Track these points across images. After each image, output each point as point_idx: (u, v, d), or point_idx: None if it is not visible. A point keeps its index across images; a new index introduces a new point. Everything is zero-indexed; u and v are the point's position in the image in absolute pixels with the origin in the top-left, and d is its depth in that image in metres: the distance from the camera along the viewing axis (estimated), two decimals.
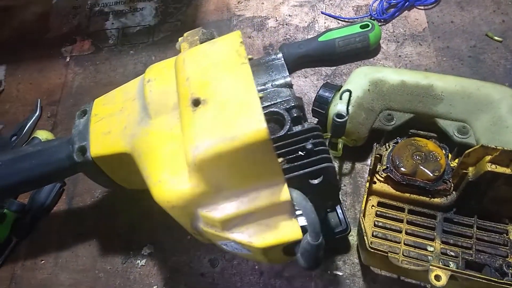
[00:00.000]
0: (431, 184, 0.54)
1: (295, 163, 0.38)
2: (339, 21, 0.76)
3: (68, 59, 0.84)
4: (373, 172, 0.57)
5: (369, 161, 0.63)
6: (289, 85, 0.46)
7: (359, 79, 0.59)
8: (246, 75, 0.33)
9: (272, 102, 0.45)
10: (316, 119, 0.63)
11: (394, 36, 0.72)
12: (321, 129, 0.41)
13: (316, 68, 0.72)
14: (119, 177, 0.49)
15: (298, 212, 0.36)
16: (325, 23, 0.76)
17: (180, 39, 0.49)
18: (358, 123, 0.57)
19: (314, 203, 0.36)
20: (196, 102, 0.33)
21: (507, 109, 0.54)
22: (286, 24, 0.78)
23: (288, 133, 0.41)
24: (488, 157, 0.49)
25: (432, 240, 0.55)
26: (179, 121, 0.39)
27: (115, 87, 0.50)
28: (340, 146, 0.58)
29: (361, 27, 0.68)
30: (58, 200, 0.65)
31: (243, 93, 0.32)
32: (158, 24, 0.85)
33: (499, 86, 0.56)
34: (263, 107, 0.44)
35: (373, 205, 0.58)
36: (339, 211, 0.55)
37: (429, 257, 0.53)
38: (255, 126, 0.30)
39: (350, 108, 0.57)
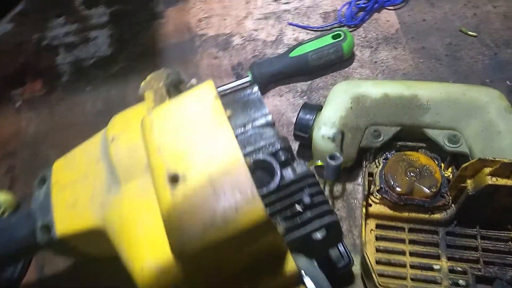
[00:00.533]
0: (429, 201, 0.52)
1: (294, 221, 0.34)
2: (308, 31, 0.72)
3: (19, 104, 0.76)
4: (367, 195, 0.53)
5: (359, 180, 0.60)
6: (271, 124, 0.42)
7: (339, 97, 0.55)
8: (227, 138, 0.29)
9: (256, 147, 0.40)
10: (299, 141, 0.59)
11: (367, 41, 0.69)
12: (314, 174, 0.37)
13: (291, 84, 0.68)
14: (94, 251, 0.43)
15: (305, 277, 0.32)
16: (293, 34, 0.72)
17: (142, 83, 0.44)
18: (346, 144, 0.53)
19: (316, 252, 0.32)
20: (174, 179, 0.28)
21: (496, 113, 0.51)
22: (253, 40, 0.73)
23: (280, 185, 0.37)
24: (487, 170, 0.46)
25: (438, 257, 0.52)
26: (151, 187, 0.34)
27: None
28: None
29: (333, 37, 0.64)
30: (27, 271, 0.58)
31: (228, 163, 0.28)
32: (114, 54, 0.78)
33: (485, 88, 0.54)
34: (246, 154, 0.39)
35: (371, 229, 0.54)
36: (341, 247, 0.52)
37: (437, 277, 0.51)
38: (251, 207, 0.26)
39: (334, 129, 0.53)
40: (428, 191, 0.51)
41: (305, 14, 0.73)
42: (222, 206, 0.26)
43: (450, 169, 0.55)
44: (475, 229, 0.53)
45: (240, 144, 0.41)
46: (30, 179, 0.69)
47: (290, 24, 0.73)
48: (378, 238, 0.54)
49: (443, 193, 0.52)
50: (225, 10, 0.76)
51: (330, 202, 0.59)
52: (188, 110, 0.31)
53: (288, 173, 0.40)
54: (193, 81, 0.46)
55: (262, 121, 0.42)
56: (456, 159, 0.54)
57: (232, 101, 0.45)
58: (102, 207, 0.39)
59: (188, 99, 0.32)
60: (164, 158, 0.30)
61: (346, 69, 0.67)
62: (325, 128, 0.53)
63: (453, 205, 0.53)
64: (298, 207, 0.35)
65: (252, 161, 0.38)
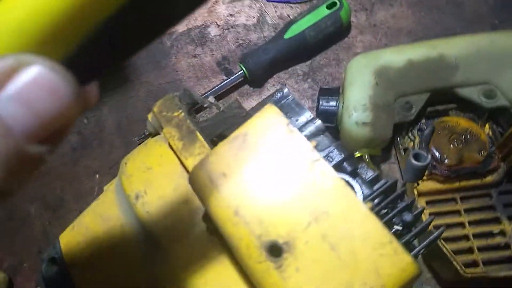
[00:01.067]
0: (481, 166, 0.48)
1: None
2: (292, 5, 0.64)
3: None
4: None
5: (393, 158, 0.55)
6: (323, 130, 0.35)
7: (361, 75, 0.49)
8: (329, 178, 0.22)
9: None
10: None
11: (360, 4, 0.62)
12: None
13: (289, 69, 0.60)
14: None
15: None
16: (276, 11, 0.64)
17: (150, 117, 0.35)
18: (382, 126, 0.48)
19: None
20: (275, 250, 0.21)
21: None
22: (232, 27, 0.64)
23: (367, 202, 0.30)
24: None
25: (499, 220, 0.49)
26: (210, 244, 0.27)
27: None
28: (367, 158, 0.49)
29: (328, 7, 0.57)
30: None
31: (345, 212, 0.21)
32: None
33: (510, 32, 0.49)
34: None
35: (423, 208, 0.50)
36: None
37: (502, 242, 0.48)
38: (396, 264, 0.19)
39: (368, 113, 0.47)
40: (479, 156, 0.47)
41: None
42: (356, 274, 0.20)
43: (487, 126, 0.52)
44: None
45: None
46: (15, 245, 0.59)
47: (269, 0, 0.64)
48: (431, 215, 0.50)
49: (492, 154, 0.48)
50: None
51: None
52: (259, 151, 0.23)
53: (359, 184, 0.33)
54: (211, 98, 0.38)
55: (310, 128, 0.35)
56: (494, 114, 0.51)
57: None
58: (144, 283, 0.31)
59: (252, 135, 0.24)
60: (249, 223, 0.22)
61: (346, 39, 0.61)
62: (357, 114, 0.47)
63: (502, 163, 0.49)
64: (397, 226, 0.29)
65: None
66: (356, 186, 0.30)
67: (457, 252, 0.48)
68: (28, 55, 0.12)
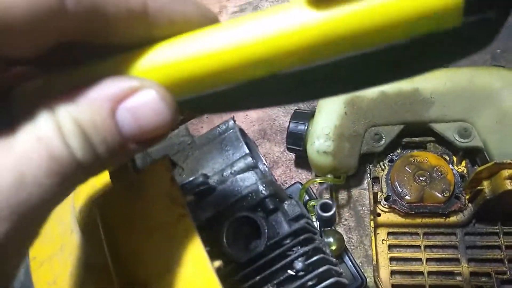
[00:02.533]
0: (443, 206, 0.47)
1: None
2: None
3: None
4: (374, 206, 0.49)
5: (365, 184, 0.55)
6: (252, 167, 0.37)
7: (332, 103, 0.49)
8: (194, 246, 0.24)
9: (238, 197, 0.36)
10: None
11: None
12: (311, 226, 0.33)
13: None
14: None
15: None
16: None
17: None
18: (344, 156, 0.48)
19: None
20: None
21: None
22: None
23: (268, 244, 0.32)
24: (506, 172, 0.41)
25: (458, 261, 0.48)
26: None
27: None
28: (329, 185, 0.50)
29: None
30: None
31: (194, 271, 0.23)
32: None
33: (495, 70, 0.47)
34: (227, 207, 0.35)
35: (383, 239, 0.50)
36: (348, 263, 0.48)
37: (459, 284, 0.47)
38: None
39: (330, 143, 0.48)
40: (441, 196, 0.47)
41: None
42: None
43: (463, 163, 0.50)
44: (497, 226, 0.48)
45: (220, 195, 0.37)
46: None
47: None
48: (391, 247, 0.50)
49: (457, 194, 0.47)
50: None
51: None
52: (140, 203, 0.27)
53: (279, 221, 0.35)
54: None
55: (241, 164, 0.37)
56: (469, 152, 0.49)
57: (208, 140, 0.40)
58: (82, 283, 0.36)
59: (141, 185, 0.27)
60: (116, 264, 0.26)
61: None
62: (319, 142, 0.48)
63: (470, 204, 0.48)
64: (291, 271, 0.31)
65: (232, 219, 0.34)
66: (263, 226, 0.33)
67: (409, 287, 0.48)
68: (149, 81, 0.17)
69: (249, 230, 0.35)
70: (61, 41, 0.16)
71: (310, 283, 0.31)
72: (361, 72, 0.17)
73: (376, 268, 0.45)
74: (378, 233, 0.51)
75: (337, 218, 0.51)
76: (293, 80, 0.17)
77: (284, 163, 0.59)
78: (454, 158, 0.50)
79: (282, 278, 0.31)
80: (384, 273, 0.48)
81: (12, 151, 0.15)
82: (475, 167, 0.50)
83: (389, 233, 0.51)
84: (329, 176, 0.50)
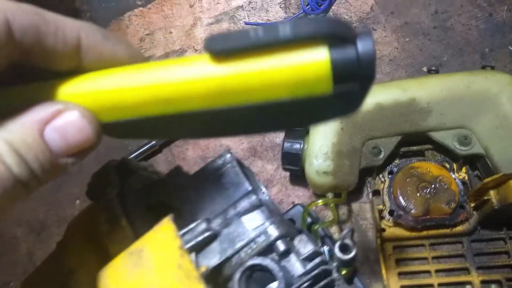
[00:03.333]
0: (449, 218, 0.46)
1: None
2: None
3: None
4: (377, 223, 0.47)
5: (364, 197, 0.53)
6: (258, 206, 0.34)
7: None
8: None
9: (245, 242, 0.33)
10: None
11: None
12: (325, 262, 0.30)
13: None
14: None
15: None
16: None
17: (87, 190, 0.35)
18: (344, 174, 0.46)
19: None
20: None
21: (511, 104, 0.44)
22: None
23: None
24: None
25: (467, 271, 0.47)
26: None
27: None
28: (332, 205, 0.48)
29: None
30: None
31: None
32: None
33: (491, 75, 0.45)
34: (233, 255, 0.32)
35: (390, 254, 0.49)
36: (358, 284, 0.46)
37: None
38: None
39: (329, 162, 0.45)
40: (447, 208, 0.45)
41: (262, 7, 0.62)
42: None
43: (464, 169, 0.49)
44: (502, 232, 0.47)
45: (226, 239, 0.34)
46: (2, 265, 0.62)
47: (247, 23, 0.62)
48: (398, 261, 0.49)
49: (462, 203, 0.46)
50: (168, 22, 0.64)
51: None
52: (151, 271, 0.23)
53: (292, 262, 0.33)
54: (150, 167, 0.37)
55: (244, 204, 0.34)
56: (469, 159, 0.48)
57: (203, 180, 0.37)
58: None
59: (147, 252, 0.24)
60: None
61: None
62: (318, 162, 0.45)
63: (474, 212, 0.47)
64: None
65: (243, 269, 0.31)
66: (279, 274, 0.30)
67: None
68: (73, 103, 0.20)
69: (261, 275, 0.33)
70: (10, 64, 0.19)
71: None
72: (259, 118, 0.21)
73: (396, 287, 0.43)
74: (384, 248, 0.49)
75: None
76: (199, 119, 0.20)
77: (278, 181, 0.56)
78: (454, 165, 0.49)
79: None
80: None
81: None
82: (476, 172, 0.49)
83: (395, 247, 0.49)
84: (329, 195, 0.47)
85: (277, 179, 0.56)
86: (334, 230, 0.52)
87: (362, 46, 0.18)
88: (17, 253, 0.62)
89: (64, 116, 0.20)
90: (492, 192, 0.43)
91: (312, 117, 0.22)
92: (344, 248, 0.30)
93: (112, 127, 0.21)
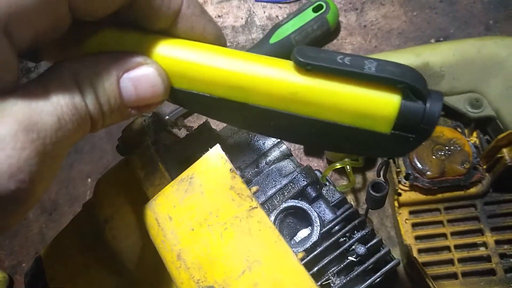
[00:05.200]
0: (464, 178, 0.47)
1: (351, 275, 0.29)
2: (281, 5, 0.62)
3: None
4: (395, 184, 0.48)
5: (378, 165, 0.54)
6: (288, 155, 0.35)
7: None
8: (266, 233, 0.22)
9: (277, 188, 0.33)
10: None
11: (350, 3, 0.61)
12: (356, 210, 0.31)
13: None
14: None
15: None
16: (265, 12, 0.63)
17: (120, 141, 0.36)
18: None
19: None
20: None
21: None
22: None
23: (321, 232, 0.30)
24: None
25: (481, 232, 0.48)
26: None
27: None
28: (349, 170, 0.49)
29: (314, 10, 0.56)
30: None
31: (278, 262, 0.21)
32: None
33: (500, 39, 0.47)
34: (267, 199, 0.32)
35: (406, 219, 0.50)
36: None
37: (484, 254, 0.47)
38: None
39: None
40: (462, 168, 0.46)
41: None
42: None
43: (475, 134, 0.50)
44: None
45: (260, 188, 0.34)
46: (14, 246, 0.62)
47: (258, 0, 0.63)
48: (414, 226, 0.50)
49: (475, 164, 0.47)
50: None
51: (353, 198, 0.54)
52: (203, 195, 0.24)
53: (322, 208, 0.33)
54: (181, 121, 0.38)
55: (275, 153, 0.35)
56: (480, 123, 0.49)
57: (231, 134, 0.37)
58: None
59: (197, 178, 0.24)
60: (190, 268, 0.23)
61: (335, 41, 0.59)
62: None
63: (487, 174, 0.48)
64: (351, 257, 0.29)
65: (278, 211, 0.31)
66: (314, 215, 0.31)
67: (437, 263, 0.48)
68: (151, 60, 0.21)
69: (293, 221, 0.33)
70: (121, 7, 0.20)
71: (370, 266, 0.30)
72: (313, 132, 0.22)
73: (410, 248, 0.44)
74: (400, 213, 0.50)
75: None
76: (258, 113, 0.21)
77: (293, 152, 0.57)
78: (466, 130, 0.50)
79: (342, 265, 0.30)
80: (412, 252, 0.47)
81: (50, 100, 0.18)
82: (486, 137, 0.50)
83: (410, 212, 0.50)
84: (346, 160, 0.48)
85: (292, 151, 0.57)
86: (349, 197, 0.53)
87: (430, 106, 0.19)
88: (29, 234, 0.61)
89: (141, 69, 0.21)
90: (505, 150, 0.44)
91: (362, 149, 0.23)
92: (377, 187, 0.31)
93: (177, 93, 0.22)
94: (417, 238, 0.49)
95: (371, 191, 0.30)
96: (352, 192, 0.53)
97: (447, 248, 0.48)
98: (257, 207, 0.23)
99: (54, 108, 0.18)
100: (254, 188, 0.24)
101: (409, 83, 0.20)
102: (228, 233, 0.23)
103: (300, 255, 0.23)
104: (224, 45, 0.23)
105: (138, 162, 0.32)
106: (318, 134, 0.22)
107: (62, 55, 0.21)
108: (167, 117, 0.57)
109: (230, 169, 0.24)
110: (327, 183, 0.36)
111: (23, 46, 0.18)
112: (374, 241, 0.30)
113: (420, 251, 0.48)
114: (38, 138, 0.17)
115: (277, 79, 0.20)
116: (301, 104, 0.21)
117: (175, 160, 0.36)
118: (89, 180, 0.61)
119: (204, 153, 0.37)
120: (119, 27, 0.22)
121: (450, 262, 0.48)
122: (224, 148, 0.37)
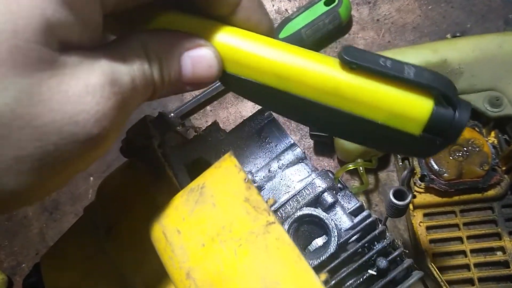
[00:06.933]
0: (482, 180, 0.45)
1: None
2: None
3: None
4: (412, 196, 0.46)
5: (391, 165, 0.52)
6: (302, 158, 0.33)
7: None
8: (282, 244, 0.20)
9: (291, 194, 0.31)
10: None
11: None
12: (375, 219, 0.29)
13: None
14: None
15: None
16: (274, 5, 0.61)
17: (124, 142, 0.34)
18: None
19: None
20: None
21: None
22: None
23: (340, 242, 0.28)
24: None
25: (499, 236, 0.46)
26: None
27: None
28: (362, 171, 0.47)
29: (326, 3, 0.53)
30: None
31: (298, 285, 0.19)
32: None
33: None
34: (280, 206, 0.30)
35: (420, 222, 0.48)
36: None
37: (501, 259, 0.45)
38: None
39: None
40: (480, 170, 0.44)
41: None
42: None
43: (493, 133, 0.48)
44: None
45: (270, 193, 0.33)
46: (14, 246, 0.60)
47: None
48: (429, 229, 0.48)
49: (494, 166, 0.45)
50: None
51: (366, 199, 0.52)
52: (215, 207, 0.22)
53: (339, 216, 0.32)
54: (188, 121, 0.36)
55: (289, 156, 0.33)
56: (499, 122, 0.47)
57: (242, 135, 0.35)
58: None
59: (209, 188, 0.22)
60: (200, 287, 0.21)
61: (346, 35, 0.57)
62: None
63: (506, 175, 0.46)
64: (371, 271, 0.28)
65: (292, 220, 0.29)
66: (332, 224, 0.29)
67: (453, 268, 0.46)
68: (211, 44, 0.23)
69: (308, 229, 0.31)
70: None
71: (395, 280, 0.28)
72: (348, 125, 0.24)
73: (427, 254, 0.42)
74: (414, 215, 0.48)
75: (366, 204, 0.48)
76: (298, 102, 0.23)
77: None
78: (484, 130, 0.48)
79: (361, 279, 0.28)
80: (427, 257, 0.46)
81: (125, 62, 0.20)
82: (504, 137, 0.48)
83: (425, 214, 0.48)
84: (359, 160, 0.46)
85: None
86: (361, 199, 0.51)
87: (459, 114, 0.21)
88: (29, 234, 0.60)
89: (201, 50, 0.23)
90: None
91: (387, 145, 0.25)
92: (399, 194, 0.29)
93: (227, 77, 0.24)
94: (432, 241, 0.47)
95: (393, 199, 0.28)
96: (363, 192, 0.51)
97: (463, 253, 0.47)
98: (275, 222, 0.21)
99: (129, 69, 0.20)
100: (271, 200, 0.22)
101: (442, 90, 0.21)
102: (243, 250, 0.21)
103: (323, 276, 0.21)
104: (275, 38, 0.25)
105: (144, 166, 0.30)
106: (350, 128, 0.24)
107: (125, 31, 0.23)
108: (172, 114, 0.55)
109: (245, 179, 0.22)
110: (341, 186, 0.34)
111: (108, 10, 0.20)
112: (396, 253, 0.28)
113: (435, 255, 0.47)
114: (119, 92, 0.19)
115: (323, 74, 0.22)
116: (341, 98, 0.22)
117: (182, 163, 0.34)
118: (91, 178, 0.60)
119: (213, 156, 0.35)
120: (181, 11, 0.24)
121: (466, 267, 0.46)
122: (234, 151, 0.35)
